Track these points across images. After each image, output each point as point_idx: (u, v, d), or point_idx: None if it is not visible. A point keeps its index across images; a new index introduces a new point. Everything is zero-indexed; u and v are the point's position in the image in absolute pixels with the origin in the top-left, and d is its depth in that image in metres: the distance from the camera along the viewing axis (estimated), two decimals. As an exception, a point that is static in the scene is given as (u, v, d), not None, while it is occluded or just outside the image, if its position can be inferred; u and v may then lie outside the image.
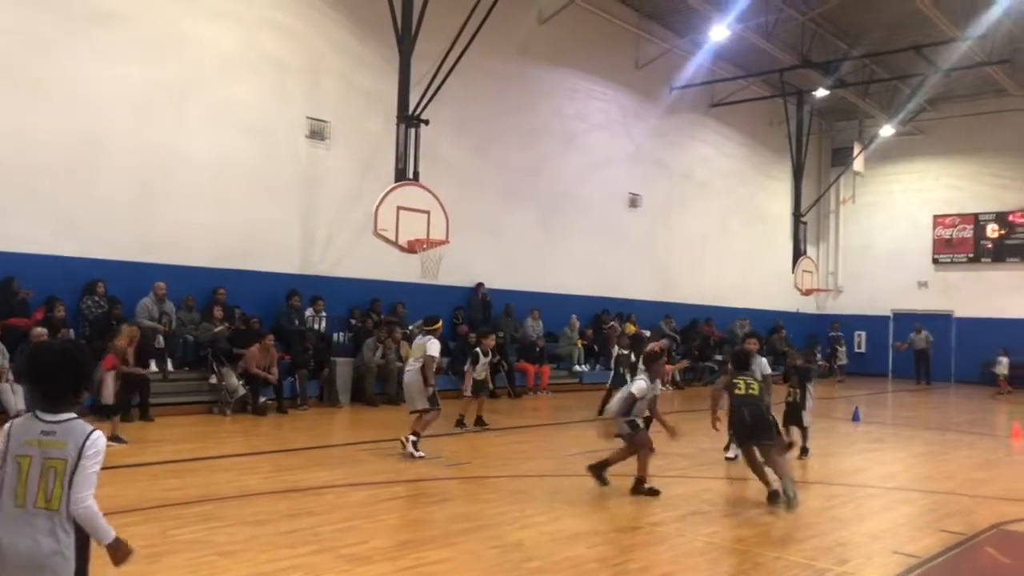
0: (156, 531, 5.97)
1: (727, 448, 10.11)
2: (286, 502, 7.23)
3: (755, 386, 8.16)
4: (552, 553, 5.91)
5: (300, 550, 5.71)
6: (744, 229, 26.73)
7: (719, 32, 19.36)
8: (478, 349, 12.24)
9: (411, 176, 13.98)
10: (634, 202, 22.46)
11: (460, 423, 11.96)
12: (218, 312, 13.62)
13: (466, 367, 12.43)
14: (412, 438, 9.52)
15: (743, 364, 8.64)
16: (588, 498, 7.91)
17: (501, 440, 11.26)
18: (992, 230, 27.41)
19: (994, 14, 19.02)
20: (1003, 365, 23.78)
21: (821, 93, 24.06)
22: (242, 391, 12.82)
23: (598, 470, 8.16)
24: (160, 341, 12.65)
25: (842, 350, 27.12)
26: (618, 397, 8.37)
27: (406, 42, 14.09)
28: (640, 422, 8.19)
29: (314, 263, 15.58)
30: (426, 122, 14.18)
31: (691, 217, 24.58)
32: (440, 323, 10.38)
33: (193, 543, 5.76)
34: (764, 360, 9.81)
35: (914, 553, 6.26)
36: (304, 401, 13.80)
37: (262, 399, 13.00)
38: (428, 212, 13.88)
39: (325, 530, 6.27)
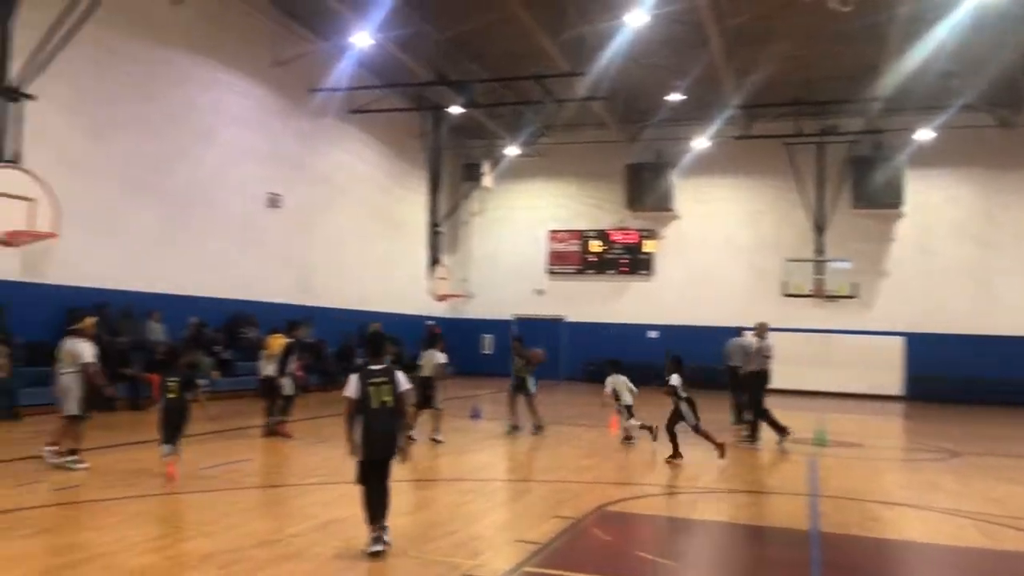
0: None
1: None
2: None
3: None
4: (179, 578, 5.45)
5: None
6: (383, 235, 27.30)
7: (362, 39, 19.55)
8: None
9: (10, 157, 12.18)
10: (274, 202, 21.79)
11: None
12: None
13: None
14: (52, 448, 9.25)
15: None
16: (222, 515, 7.42)
17: (121, 457, 10.15)
18: (595, 245, 31.30)
19: (602, 58, 21.69)
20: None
21: (455, 111, 25.50)
22: None
23: None
24: None
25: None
26: None
27: (4, 3, 12.22)
28: None
29: None
30: (32, 97, 12.44)
31: (331, 221, 24.50)
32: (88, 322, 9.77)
33: None
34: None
35: (535, 540, 6.83)
36: None
37: None
38: (33, 200, 12.17)
39: None
